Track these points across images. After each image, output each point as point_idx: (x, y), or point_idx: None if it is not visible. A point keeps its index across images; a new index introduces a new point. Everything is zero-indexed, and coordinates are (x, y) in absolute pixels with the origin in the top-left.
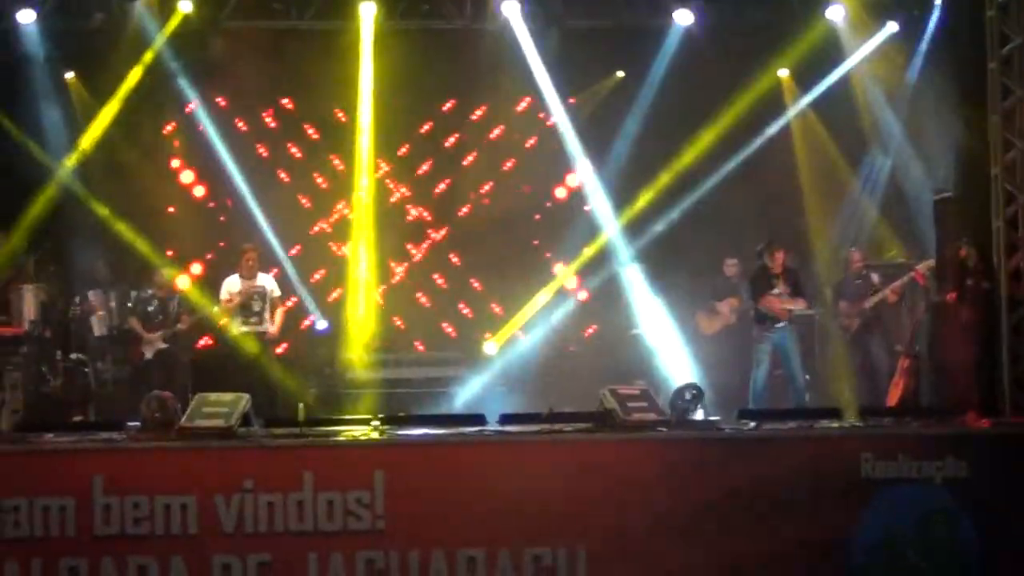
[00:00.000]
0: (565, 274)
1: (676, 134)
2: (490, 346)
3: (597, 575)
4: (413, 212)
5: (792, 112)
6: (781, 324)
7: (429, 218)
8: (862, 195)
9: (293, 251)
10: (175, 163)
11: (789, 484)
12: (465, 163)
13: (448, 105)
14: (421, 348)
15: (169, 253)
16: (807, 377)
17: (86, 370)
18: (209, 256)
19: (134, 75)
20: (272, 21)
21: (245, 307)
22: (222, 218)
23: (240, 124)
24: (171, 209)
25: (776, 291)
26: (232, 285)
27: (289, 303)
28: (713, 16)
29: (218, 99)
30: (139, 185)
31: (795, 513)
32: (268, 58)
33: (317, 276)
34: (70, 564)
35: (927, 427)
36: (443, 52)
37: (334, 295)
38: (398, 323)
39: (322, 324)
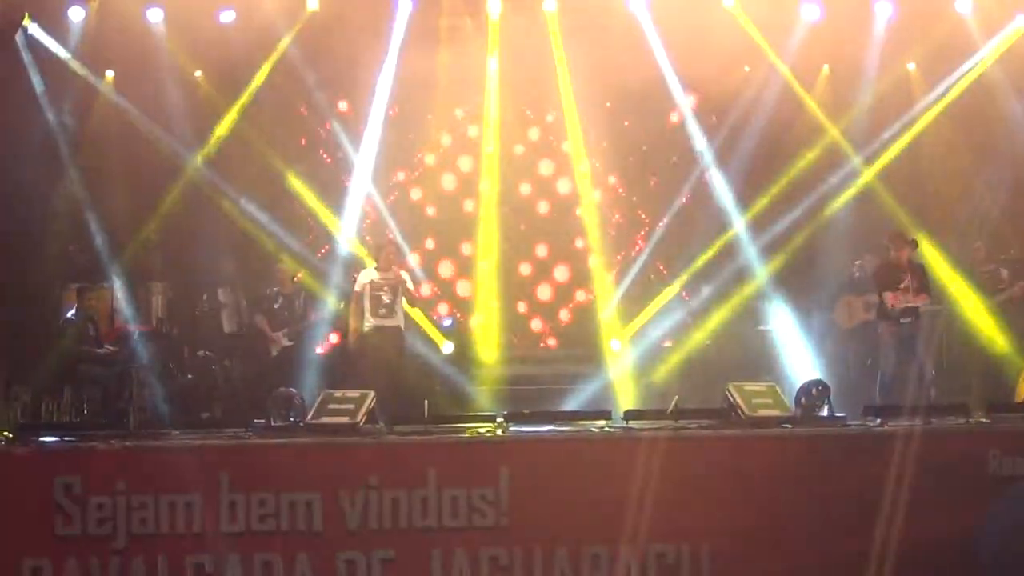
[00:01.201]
0: (682, 279)
1: (801, 129)
2: (615, 343)
3: (721, 573)
4: (542, 208)
5: (920, 106)
6: (907, 320)
7: (555, 215)
8: (988, 189)
9: (421, 247)
10: (302, 159)
11: (915, 481)
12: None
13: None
14: (548, 345)
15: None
16: (933, 373)
17: (213, 367)
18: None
19: (262, 72)
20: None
21: (374, 300)
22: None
23: (366, 120)
24: (298, 206)
25: (903, 285)
26: (365, 276)
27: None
28: (839, 9)
29: (345, 94)
30: (267, 183)
31: (921, 510)
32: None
33: (445, 273)
34: (195, 561)
35: None
36: (571, 46)
37: (462, 291)
38: (524, 320)
39: (447, 320)
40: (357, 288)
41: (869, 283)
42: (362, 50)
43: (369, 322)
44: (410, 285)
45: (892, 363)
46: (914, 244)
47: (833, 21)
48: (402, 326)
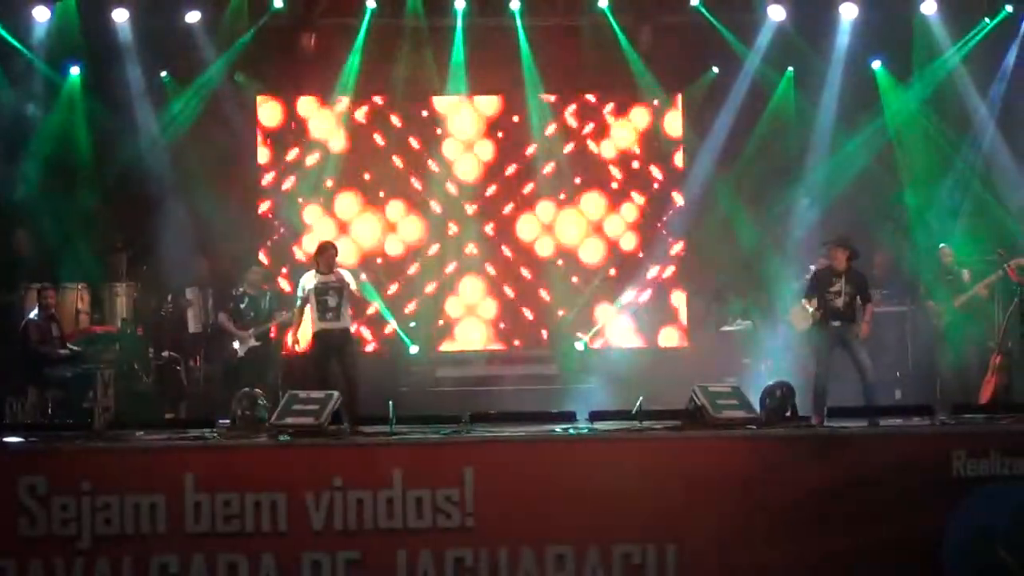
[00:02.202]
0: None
1: (770, 131)
2: (580, 344)
3: (686, 573)
4: (506, 210)
5: (886, 105)
6: (837, 323)
7: (519, 215)
8: (955, 188)
9: (382, 248)
10: (264, 161)
11: (880, 482)
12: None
13: (544, 100)
14: (513, 345)
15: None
16: (898, 374)
17: (178, 368)
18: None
19: (225, 71)
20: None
21: (320, 304)
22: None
23: (330, 120)
24: (262, 207)
25: (835, 288)
26: (307, 280)
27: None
28: (805, 9)
29: (308, 95)
30: (231, 183)
31: (886, 511)
32: (359, 54)
33: (409, 272)
34: (161, 561)
35: (1019, 424)
36: (537, 48)
37: (427, 290)
38: (490, 320)
39: (411, 323)
40: (301, 293)
41: None
42: (325, 49)
43: (316, 326)
44: (353, 287)
45: (824, 367)
46: (852, 252)
47: (798, 21)
48: (349, 328)
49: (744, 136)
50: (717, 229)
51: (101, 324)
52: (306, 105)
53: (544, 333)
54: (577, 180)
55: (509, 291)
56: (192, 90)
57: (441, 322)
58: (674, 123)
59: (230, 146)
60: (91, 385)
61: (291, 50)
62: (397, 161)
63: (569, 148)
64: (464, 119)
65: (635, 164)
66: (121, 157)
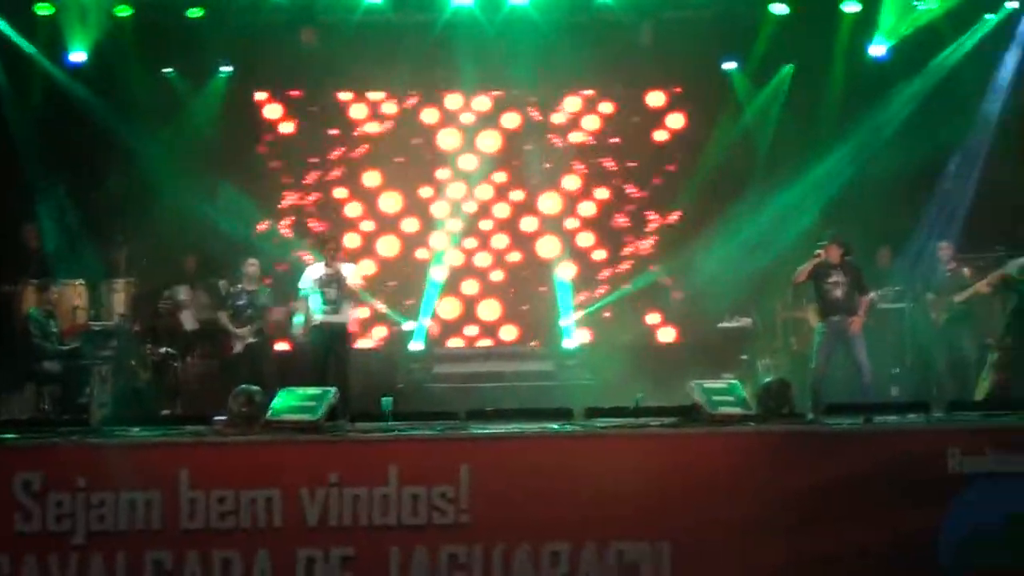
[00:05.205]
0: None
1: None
2: (575, 339)
3: (682, 570)
4: (505, 204)
5: (887, 100)
6: (837, 317)
7: (514, 209)
8: (954, 186)
9: (381, 244)
10: (266, 156)
11: (876, 479)
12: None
13: (541, 97)
14: (507, 341)
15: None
16: (896, 371)
17: (174, 364)
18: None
19: (227, 67)
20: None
21: (321, 295)
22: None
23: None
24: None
25: (832, 279)
26: (313, 272)
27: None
28: (808, 5)
29: (306, 90)
30: (232, 179)
31: (881, 508)
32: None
33: (405, 270)
34: (155, 557)
35: (1017, 421)
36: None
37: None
38: (484, 316)
39: (409, 324)
40: (306, 284)
41: None
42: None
43: (317, 318)
44: (352, 281)
45: (824, 359)
46: (844, 246)
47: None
48: (347, 323)
49: (743, 132)
50: (713, 225)
51: (98, 320)
52: (306, 101)
53: (541, 329)
54: (578, 178)
55: (508, 287)
56: (196, 86)
57: (441, 318)
58: (678, 121)
59: (231, 141)
60: (87, 381)
61: (291, 47)
62: (398, 158)
63: (573, 141)
64: (468, 116)
65: (643, 160)
66: (119, 153)
